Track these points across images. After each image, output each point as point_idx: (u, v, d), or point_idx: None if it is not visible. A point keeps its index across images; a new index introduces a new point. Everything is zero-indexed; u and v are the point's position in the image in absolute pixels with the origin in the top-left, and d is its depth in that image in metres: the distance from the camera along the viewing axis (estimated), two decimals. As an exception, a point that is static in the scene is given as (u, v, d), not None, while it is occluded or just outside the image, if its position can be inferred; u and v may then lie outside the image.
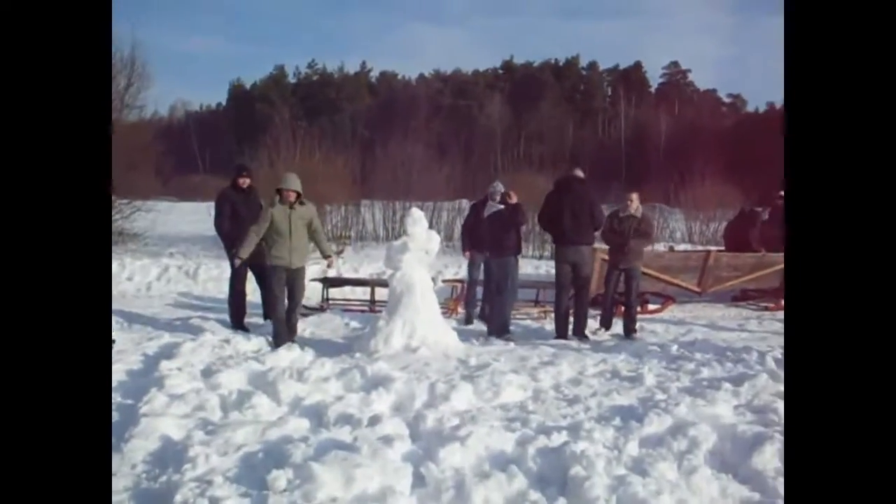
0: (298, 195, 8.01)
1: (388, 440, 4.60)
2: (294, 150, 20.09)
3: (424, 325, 7.83)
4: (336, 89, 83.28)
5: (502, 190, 9.59)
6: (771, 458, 4.58)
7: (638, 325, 9.75)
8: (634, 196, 9.58)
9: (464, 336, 8.68)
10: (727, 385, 6.25)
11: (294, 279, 8.11)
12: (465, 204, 21.10)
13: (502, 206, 9.18)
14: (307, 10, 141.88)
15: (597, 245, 9.93)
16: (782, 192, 15.68)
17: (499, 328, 8.96)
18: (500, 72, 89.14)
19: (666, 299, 11.82)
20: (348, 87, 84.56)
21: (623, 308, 9.66)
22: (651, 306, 11.50)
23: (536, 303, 11.24)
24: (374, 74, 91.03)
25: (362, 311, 10.75)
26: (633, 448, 4.66)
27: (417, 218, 8.33)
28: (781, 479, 4.32)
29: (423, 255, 8.18)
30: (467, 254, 10.14)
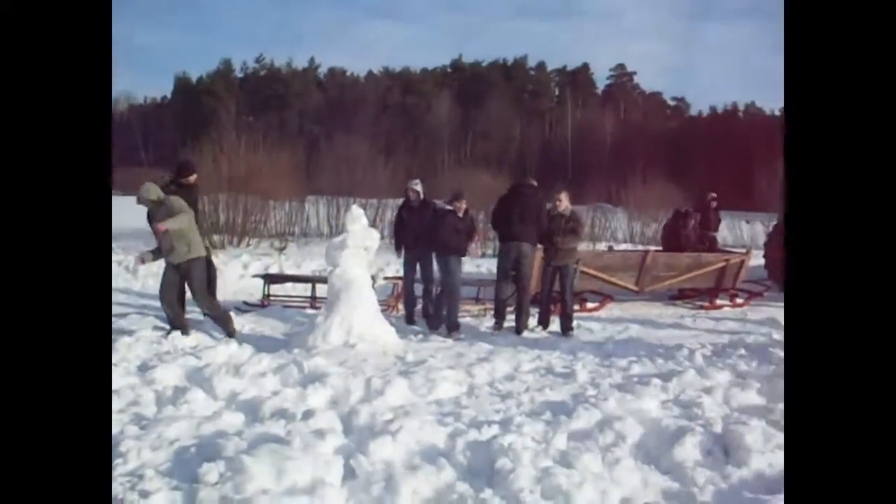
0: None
1: (320, 434, 4.67)
2: (239, 144, 19.91)
3: (362, 322, 7.89)
4: (284, 85, 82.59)
5: (419, 188, 10.06)
6: (691, 450, 4.78)
7: (575, 322, 9.93)
8: (563, 195, 9.76)
9: (402, 333, 8.77)
10: (656, 381, 6.44)
11: (185, 275, 8.15)
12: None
13: (451, 208, 9.33)
14: (255, 2, 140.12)
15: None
16: (713, 195, 16.13)
17: (449, 326, 9.08)
18: (449, 70, 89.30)
19: (604, 298, 12.01)
20: (296, 82, 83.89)
21: (560, 306, 9.82)
22: (589, 304, 11.67)
23: (477, 300, 11.35)
24: (323, 71, 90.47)
25: (303, 308, 10.75)
26: (560, 441, 4.80)
27: (357, 215, 8.39)
28: (700, 469, 4.51)
29: (362, 252, 8.24)
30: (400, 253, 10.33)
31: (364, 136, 37.98)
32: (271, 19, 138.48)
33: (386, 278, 12.36)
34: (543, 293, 9.96)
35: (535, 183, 10.33)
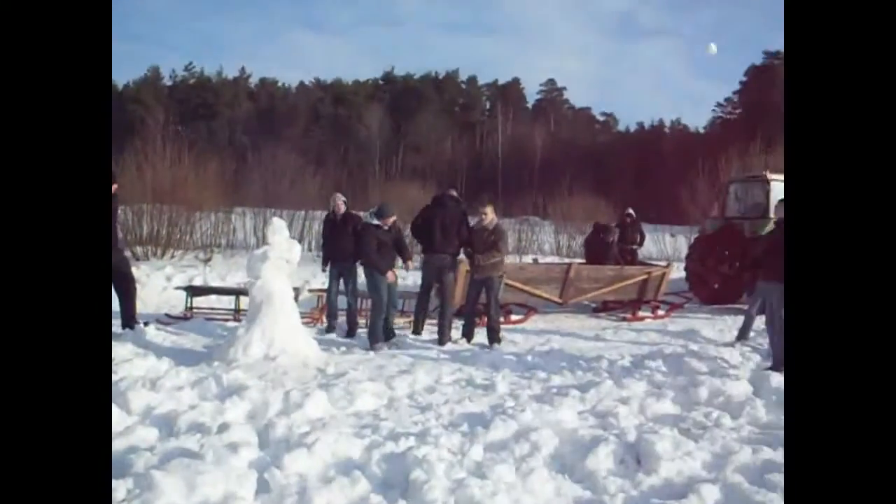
0: None
1: (234, 447, 4.62)
2: (164, 154, 19.58)
3: (284, 334, 7.83)
4: (214, 94, 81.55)
5: (342, 201, 10.32)
6: (604, 459, 4.87)
7: (500, 334, 10.03)
8: (488, 209, 9.79)
9: (325, 345, 8.72)
10: (574, 392, 6.55)
11: None
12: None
13: (377, 222, 9.26)
14: (184, 9, 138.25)
15: (461, 257, 10.16)
16: (629, 210, 16.57)
17: (371, 339, 9.03)
18: (381, 82, 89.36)
19: (529, 310, 12.15)
20: (226, 92, 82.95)
21: (485, 319, 9.90)
22: (514, 317, 11.79)
23: (402, 312, 11.33)
24: (254, 80, 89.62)
25: (226, 321, 10.62)
26: (476, 453, 4.83)
27: (278, 227, 8.32)
28: (612, 478, 4.60)
29: (283, 264, 8.16)
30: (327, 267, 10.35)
31: (294, 147, 37.68)
32: (199, 28, 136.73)
33: (311, 290, 12.28)
34: (468, 305, 10.02)
35: (456, 194, 10.43)
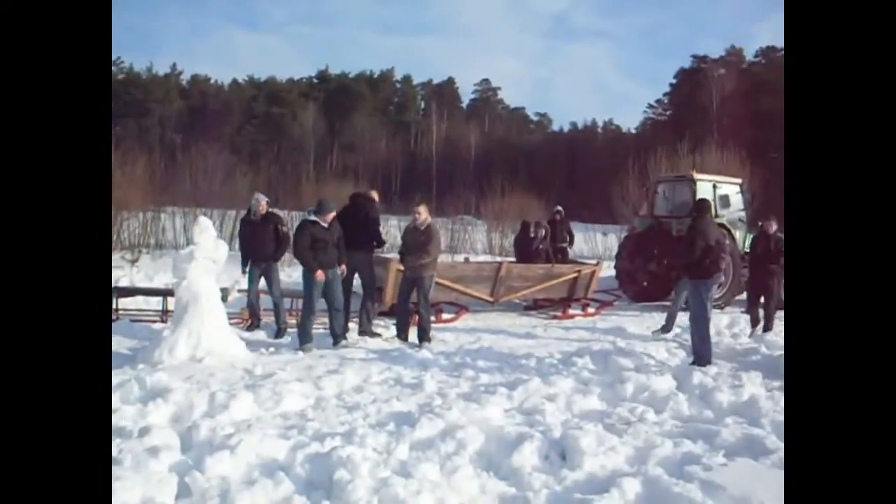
0: None
1: (154, 451, 4.55)
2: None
3: (210, 335, 7.72)
4: (144, 90, 79.85)
5: (265, 201, 10.28)
6: (529, 456, 4.93)
7: (431, 333, 10.04)
8: (421, 209, 9.75)
9: (253, 346, 8.63)
10: (502, 389, 6.60)
11: None
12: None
13: (314, 219, 9.14)
14: (112, 2, 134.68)
15: (391, 255, 10.17)
16: (558, 208, 16.76)
17: (300, 339, 8.91)
18: (316, 81, 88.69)
19: (460, 309, 12.17)
20: (157, 88, 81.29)
21: (417, 317, 9.89)
22: (445, 315, 11.81)
23: (290, 312, 11.05)
24: (186, 77, 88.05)
25: (153, 322, 10.41)
26: (402, 451, 4.84)
27: (205, 227, 8.20)
28: (536, 474, 4.66)
29: (210, 264, 8.05)
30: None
31: (226, 145, 37.20)
32: (129, 23, 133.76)
33: (241, 291, 12.10)
34: (400, 303, 10.00)
35: (371, 193, 10.82)
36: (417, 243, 9.55)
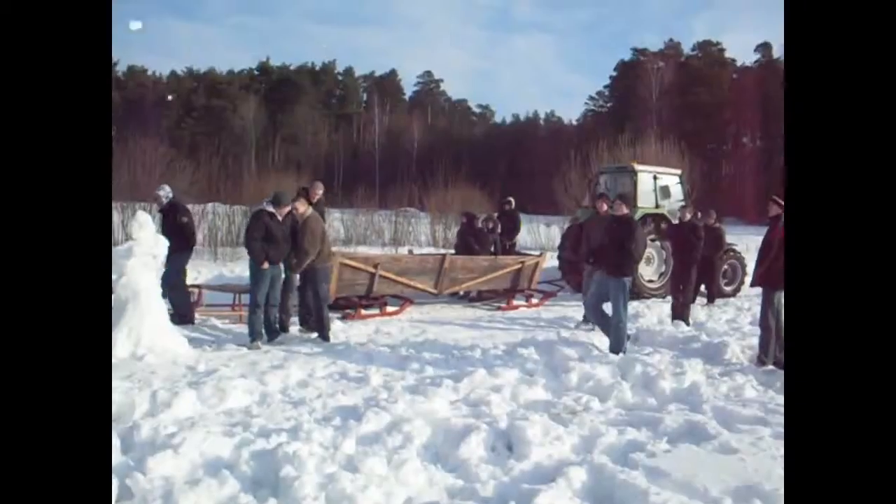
0: None
1: (94, 452, 4.44)
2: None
3: (151, 332, 7.58)
4: (77, 83, 77.85)
5: (168, 194, 10.15)
6: (476, 447, 4.95)
7: (374, 326, 10.02)
8: (298, 204, 9.43)
9: (196, 342, 8.50)
10: (448, 381, 6.59)
11: None
12: (213, 207, 20.57)
13: (271, 210, 8.92)
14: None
15: (335, 249, 10.07)
16: (509, 199, 16.83)
17: (252, 335, 8.75)
18: (256, 73, 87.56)
19: (404, 301, 12.15)
20: (90, 81, 79.29)
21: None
22: (390, 308, 11.78)
23: (233, 307, 10.95)
24: (121, 69, 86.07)
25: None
26: (348, 446, 4.80)
27: (143, 222, 8.03)
28: (483, 465, 4.68)
29: (150, 259, 7.90)
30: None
31: (165, 138, 36.50)
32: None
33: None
34: (301, 298, 9.72)
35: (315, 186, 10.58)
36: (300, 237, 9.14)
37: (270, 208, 8.84)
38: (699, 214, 12.93)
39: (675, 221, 12.65)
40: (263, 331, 8.77)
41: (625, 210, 8.72)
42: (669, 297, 13.28)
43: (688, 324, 10.72)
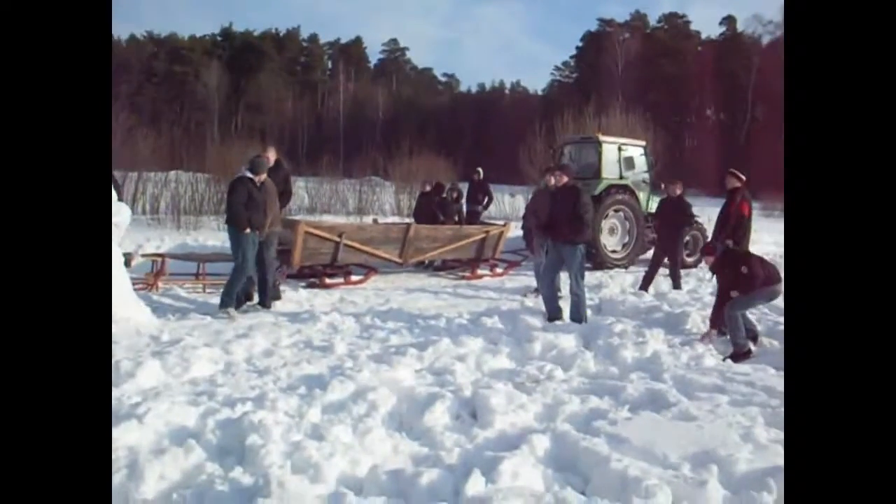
0: None
1: (57, 422, 4.42)
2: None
3: (114, 302, 7.49)
4: (32, 47, 76.17)
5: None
6: (441, 415, 5.00)
7: (339, 295, 10.03)
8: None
9: (159, 311, 8.45)
10: (412, 350, 6.64)
11: None
12: (175, 175, 20.35)
13: (250, 176, 8.79)
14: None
15: (299, 217, 10.02)
16: (479, 169, 16.82)
17: (226, 301, 8.67)
18: (219, 39, 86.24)
19: (368, 270, 12.15)
20: (47, 45, 77.65)
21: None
22: (354, 277, 11.78)
23: (197, 276, 10.94)
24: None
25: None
26: (314, 415, 4.83)
27: (105, 189, 7.92)
28: (448, 433, 4.73)
29: (111, 228, 7.81)
30: None
31: (125, 105, 35.89)
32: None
33: (144, 255, 11.82)
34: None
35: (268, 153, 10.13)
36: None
37: (250, 174, 8.78)
38: (663, 186, 13.03)
39: (662, 196, 12.68)
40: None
41: (565, 179, 8.77)
42: (632, 268, 13.45)
43: (679, 287, 11.34)
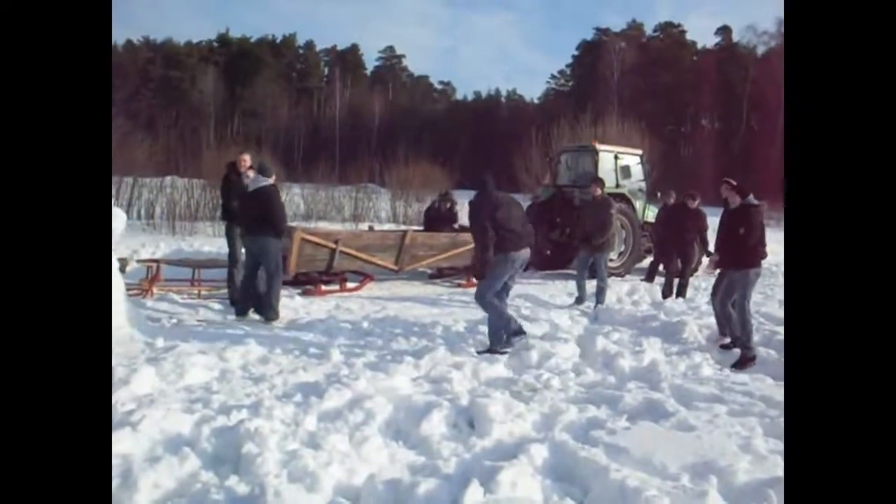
0: None
1: (51, 429, 4.38)
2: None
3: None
4: (29, 52, 76.11)
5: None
6: (438, 424, 4.95)
7: (334, 302, 9.98)
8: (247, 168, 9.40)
9: (155, 318, 8.41)
10: (409, 358, 6.60)
11: None
12: (171, 181, 20.33)
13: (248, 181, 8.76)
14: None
15: (295, 224, 10.00)
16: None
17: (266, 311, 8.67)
18: (216, 45, 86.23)
19: (364, 277, 12.10)
20: (44, 50, 77.58)
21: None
22: (350, 284, 11.74)
23: (192, 283, 10.95)
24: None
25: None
26: (310, 423, 4.79)
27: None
28: (445, 442, 4.69)
29: (111, 234, 7.76)
30: None
31: (121, 110, 35.86)
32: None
33: (139, 261, 11.77)
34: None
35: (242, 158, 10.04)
36: None
37: (269, 180, 8.76)
38: (659, 195, 13.04)
39: (670, 202, 12.63)
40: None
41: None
42: (628, 276, 13.46)
43: (684, 297, 11.41)
